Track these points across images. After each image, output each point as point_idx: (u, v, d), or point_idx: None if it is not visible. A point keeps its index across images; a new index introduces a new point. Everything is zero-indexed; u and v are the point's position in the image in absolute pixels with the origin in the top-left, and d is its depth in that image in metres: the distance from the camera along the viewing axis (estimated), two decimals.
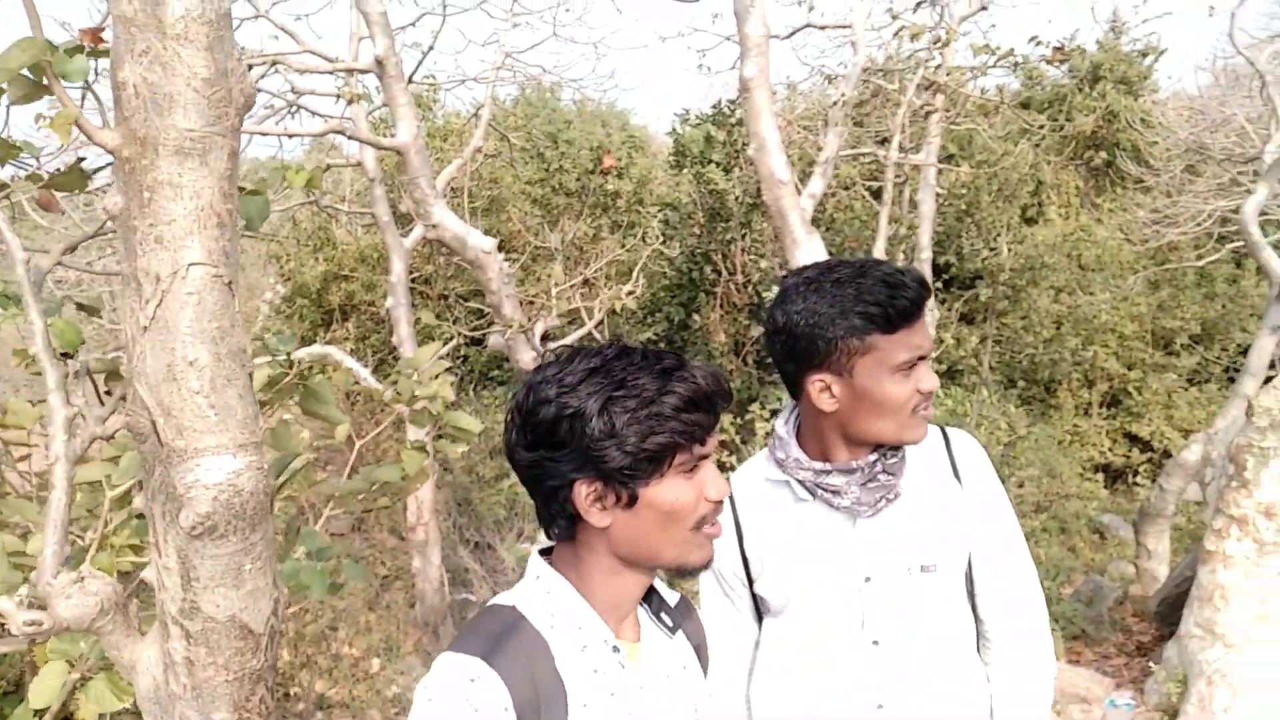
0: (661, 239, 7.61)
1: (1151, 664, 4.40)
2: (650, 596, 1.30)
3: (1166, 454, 11.39)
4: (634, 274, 5.43)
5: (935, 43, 5.91)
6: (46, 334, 1.49)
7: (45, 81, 1.32)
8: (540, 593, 1.21)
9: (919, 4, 5.94)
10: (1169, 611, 4.93)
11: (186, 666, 1.39)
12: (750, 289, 7.54)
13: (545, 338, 5.41)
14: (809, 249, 5.23)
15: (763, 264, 7.40)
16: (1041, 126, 10.50)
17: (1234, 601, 3.64)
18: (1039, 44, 5.85)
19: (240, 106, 1.37)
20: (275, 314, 11.24)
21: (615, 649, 1.20)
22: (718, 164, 7.86)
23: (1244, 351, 12.24)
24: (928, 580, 1.49)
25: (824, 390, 1.45)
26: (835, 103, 6.08)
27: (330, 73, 5.30)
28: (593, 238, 7.67)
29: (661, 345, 8.15)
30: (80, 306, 1.70)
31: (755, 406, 5.21)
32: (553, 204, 8.22)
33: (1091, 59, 13.83)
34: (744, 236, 7.55)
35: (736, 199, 7.54)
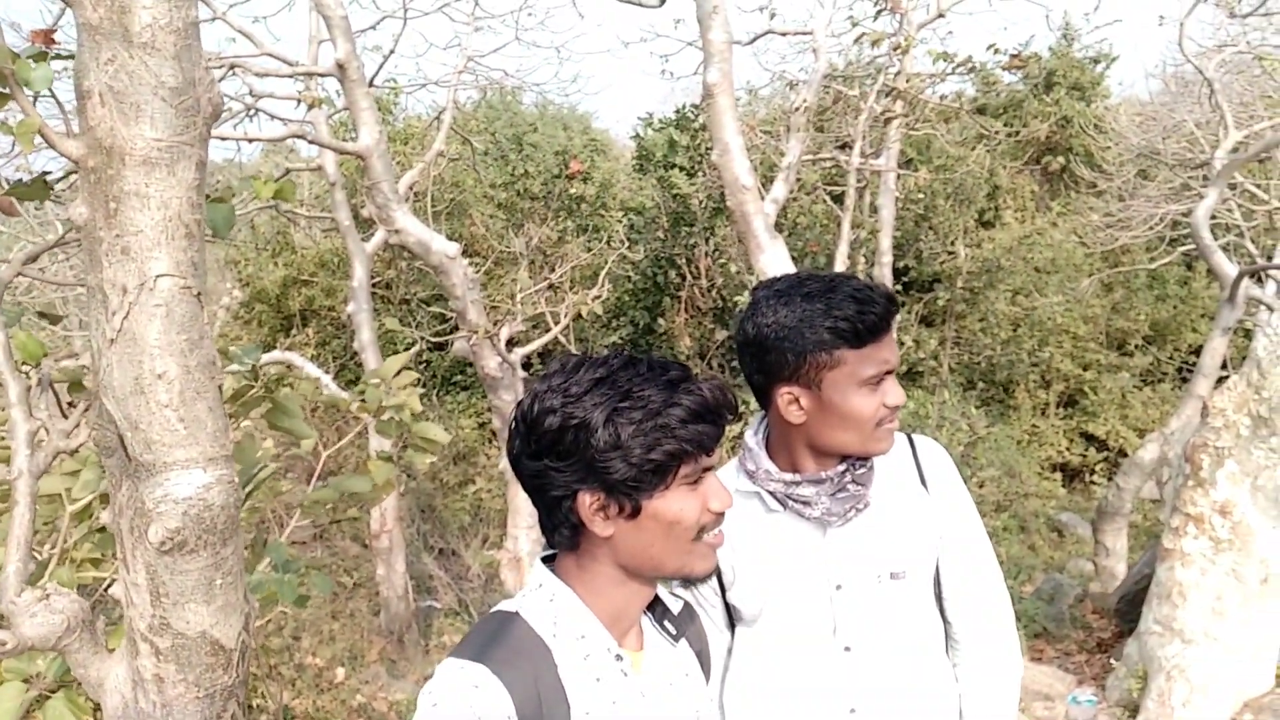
0: (626, 243, 7.62)
1: (1112, 660, 4.49)
2: (654, 604, 1.29)
3: (1122, 453, 11.63)
4: (600, 278, 5.42)
5: (896, 49, 5.98)
6: (8, 346, 1.46)
7: (6, 89, 1.29)
8: (543, 600, 1.20)
9: (879, 11, 6.01)
10: (1129, 608, 5.03)
11: (156, 684, 1.36)
12: (715, 293, 7.57)
13: (511, 343, 5.39)
14: (773, 253, 5.26)
15: (730, 268, 7.42)
16: (998, 131, 10.66)
17: (1191, 598, 3.72)
18: (996, 51, 5.95)
19: (208, 116, 1.35)
20: (233, 320, 11.08)
21: (618, 657, 1.20)
22: (681, 168, 7.88)
23: (1195, 352, 12.53)
24: (897, 586, 1.52)
25: (792, 402, 1.46)
26: (797, 108, 6.13)
27: (290, 76, 5.23)
28: (557, 242, 7.66)
29: (626, 349, 8.14)
30: (41, 315, 1.66)
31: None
32: (517, 208, 8.19)
33: (1045, 65, 14.07)
34: (708, 240, 7.58)
35: (700, 203, 7.57)
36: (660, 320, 7.73)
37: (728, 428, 1.21)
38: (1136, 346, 12.82)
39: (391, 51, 6.38)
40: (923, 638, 1.55)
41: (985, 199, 12.38)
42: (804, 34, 6.47)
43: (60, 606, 1.36)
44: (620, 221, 8.25)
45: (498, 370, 5.06)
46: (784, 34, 6.58)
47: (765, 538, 1.53)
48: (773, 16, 6.74)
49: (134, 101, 1.26)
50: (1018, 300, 10.49)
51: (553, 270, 6.50)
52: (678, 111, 7.92)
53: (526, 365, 4.93)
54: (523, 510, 5.14)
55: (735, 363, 7.65)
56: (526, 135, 8.22)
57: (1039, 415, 12.11)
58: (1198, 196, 9.43)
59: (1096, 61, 14.41)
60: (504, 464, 5.01)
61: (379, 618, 8.33)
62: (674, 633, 1.30)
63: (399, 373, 2.99)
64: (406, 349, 7.21)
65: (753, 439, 1.57)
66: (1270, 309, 6.18)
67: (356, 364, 8.59)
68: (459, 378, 10.71)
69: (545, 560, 1.26)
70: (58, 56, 1.34)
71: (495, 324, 4.77)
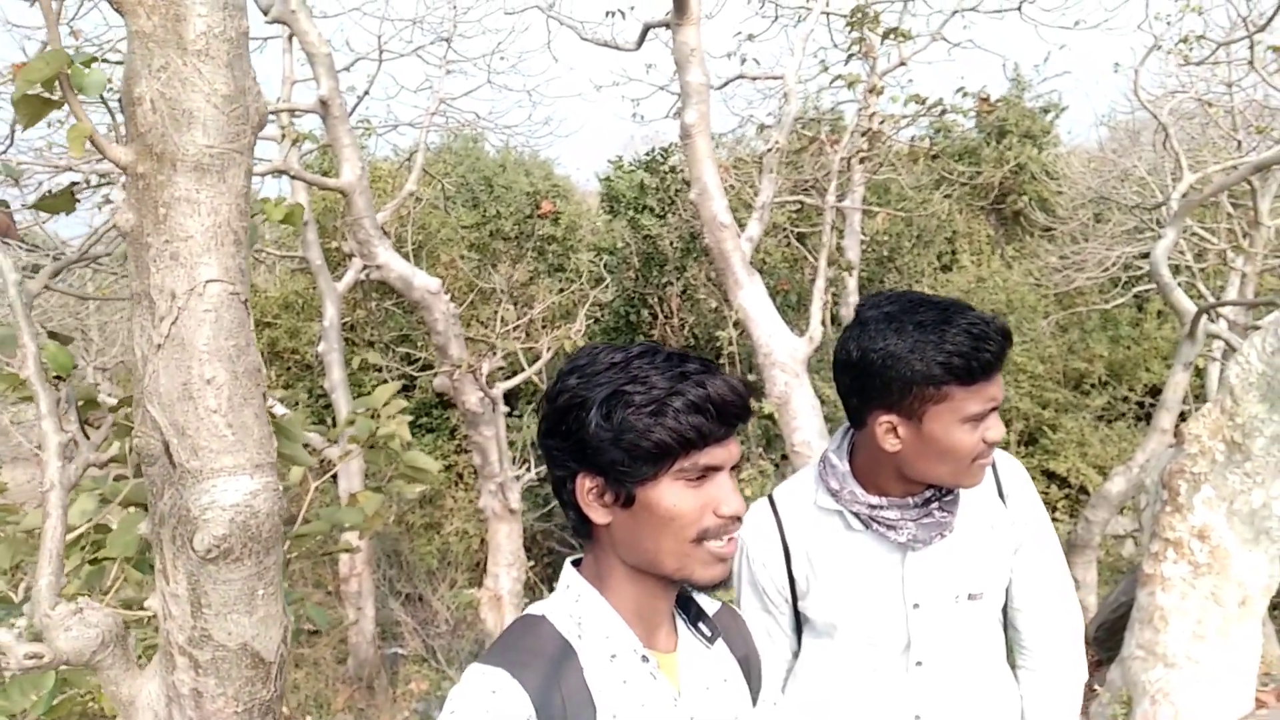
0: (597, 283, 7.66)
1: (1096, 686, 4.52)
2: (689, 605, 1.27)
3: (1083, 490, 11.80)
4: (580, 314, 5.45)
5: (870, 90, 6.15)
6: (39, 358, 1.44)
7: (59, 95, 1.29)
8: (569, 601, 1.18)
9: (849, 57, 6.19)
10: (1107, 637, 5.08)
11: (194, 699, 1.33)
12: (687, 330, 7.62)
13: (490, 379, 5.37)
14: (751, 290, 5.33)
15: (702, 306, 7.50)
16: (961, 174, 10.94)
17: (1173, 622, 3.77)
18: (965, 95, 6.14)
19: (255, 125, 1.36)
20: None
21: (645, 658, 1.16)
22: (651, 210, 7.97)
23: (1151, 390, 12.84)
24: (974, 606, 1.52)
25: (890, 431, 1.43)
26: (770, 150, 6.25)
27: (273, 113, 5.23)
28: (528, 281, 7.67)
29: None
30: (52, 335, 1.64)
31: None
32: (489, 248, 8.21)
33: (997, 114, 14.51)
34: (679, 280, 7.65)
35: (671, 244, 7.65)
36: None
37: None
38: (1093, 385, 13.09)
39: (366, 92, 6.42)
40: (990, 650, 1.57)
41: (944, 242, 12.66)
42: (774, 78, 6.63)
43: (94, 620, 1.33)
44: (591, 262, 8.30)
45: (479, 405, 5.04)
46: (754, 79, 6.74)
47: (844, 555, 1.53)
48: (743, 62, 6.89)
49: (186, 108, 1.27)
50: None
51: (528, 308, 6.51)
52: (648, 154, 8.04)
53: (506, 401, 4.91)
54: (504, 548, 5.10)
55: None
56: (497, 176, 8.28)
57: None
58: (1150, 239, 9.75)
59: (1046, 111, 14.90)
60: (483, 501, 4.98)
61: (345, 664, 8.13)
62: (708, 634, 1.26)
63: (388, 402, 2.97)
64: (382, 383, 7.13)
65: (836, 456, 1.55)
66: (1229, 344, 6.38)
67: (326, 405, 8.48)
68: (425, 419, 10.61)
69: (574, 564, 1.24)
70: (105, 62, 1.34)
71: (477, 359, 4.76)
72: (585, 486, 1.13)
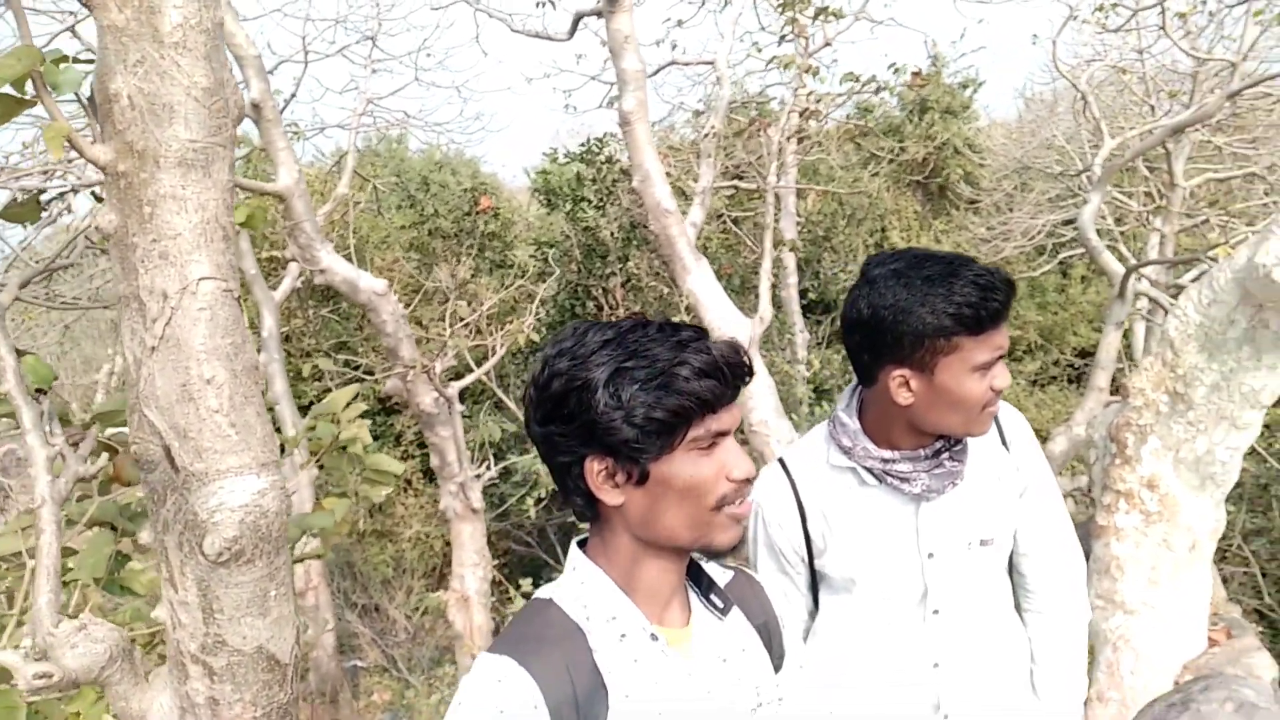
0: (540, 277, 7.63)
1: None
2: (700, 577, 1.25)
3: None
4: (531, 308, 5.43)
5: (806, 70, 6.22)
6: (19, 371, 1.39)
7: (32, 94, 1.24)
8: (575, 583, 1.17)
9: (781, 39, 6.25)
10: None
11: (210, 707, 1.30)
12: None
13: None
14: (698, 274, 5.36)
15: (647, 294, 7.51)
16: (887, 151, 11.14)
17: (1129, 570, 3.91)
18: (897, 71, 6.25)
19: (235, 117, 1.33)
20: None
21: (653, 636, 1.15)
22: (589, 201, 7.96)
23: (1080, 353, 13.27)
24: (986, 552, 1.57)
25: (903, 385, 1.46)
26: (706, 135, 6.29)
27: None
28: (470, 279, 7.60)
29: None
30: (17, 353, 1.58)
31: None
32: (428, 247, 8.10)
33: (917, 91, 14.79)
34: (621, 270, 7.66)
35: (612, 235, 7.65)
36: None
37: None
38: (1025, 351, 13.48)
39: (293, 95, 6.28)
40: (1000, 595, 1.62)
41: (874, 220, 12.89)
42: (706, 64, 6.66)
43: (100, 635, 1.29)
44: (532, 256, 8.25)
45: (433, 406, 4.98)
46: (686, 64, 6.77)
47: (859, 510, 1.56)
48: (674, 48, 6.92)
49: (166, 103, 1.23)
50: None
51: (469, 305, 6.46)
52: (582, 146, 8.02)
53: (460, 399, 4.88)
54: (468, 548, 5.06)
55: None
56: (432, 175, 8.18)
57: None
58: (1073, 206, 10.05)
59: (965, 86, 15.24)
60: (444, 502, 4.94)
61: (308, 679, 7.99)
62: (721, 606, 1.24)
63: (348, 405, 2.93)
64: (319, 399, 7.01)
65: (845, 414, 1.58)
66: (1156, 302, 6.62)
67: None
68: (370, 427, 10.44)
69: (580, 545, 1.22)
70: (77, 60, 1.30)
71: (429, 359, 4.70)
72: (594, 469, 1.11)
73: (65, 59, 1.26)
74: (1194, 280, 6.54)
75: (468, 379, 4.50)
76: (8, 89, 1.22)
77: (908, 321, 1.41)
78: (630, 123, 5.42)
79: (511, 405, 6.36)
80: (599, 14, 5.82)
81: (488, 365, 4.66)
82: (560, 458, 1.13)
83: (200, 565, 1.26)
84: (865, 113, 13.79)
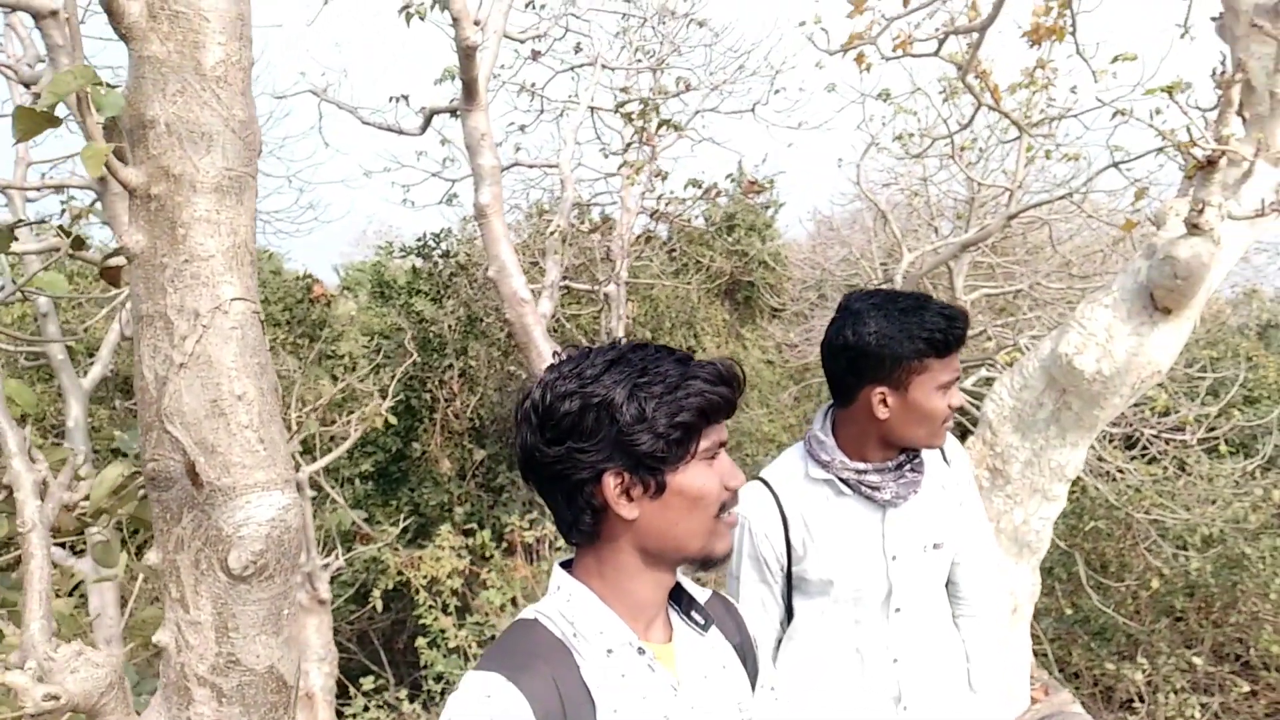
0: (376, 369, 7.52)
1: None
2: (680, 596, 1.28)
3: None
4: (390, 388, 5.37)
5: (656, 175, 6.62)
6: (1, 396, 1.35)
7: (64, 114, 1.26)
8: (561, 601, 1.19)
9: (628, 146, 6.65)
10: None
11: None
12: (470, 413, 7.63)
13: None
14: None
15: (486, 387, 7.56)
16: (700, 261, 11.83)
17: None
18: (733, 180, 6.77)
19: (257, 153, 1.40)
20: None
21: (640, 650, 1.17)
22: (425, 294, 7.99)
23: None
24: (937, 555, 1.79)
25: (882, 401, 1.68)
26: (552, 233, 6.54)
27: (38, 188, 4.80)
28: (301, 370, 7.39)
29: (377, 479, 7.95)
30: None
31: (515, 519, 5.30)
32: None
33: (724, 209, 15.86)
34: (460, 361, 7.69)
35: (450, 328, 7.69)
36: (414, 444, 7.64)
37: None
38: None
39: None
40: (943, 598, 1.83)
41: (686, 326, 13.55)
42: (550, 166, 6.96)
43: (100, 660, 1.25)
44: (364, 347, 8.13)
45: None
46: (531, 165, 7.04)
47: (834, 518, 1.74)
48: (517, 150, 7.19)
49: (206, 132, 1.30)
50: (740, 413, 11.49)
51: (312, 393, 6.28)
52: (419, 240, 8.09)
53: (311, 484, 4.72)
54: (313, 643, 4.80)
55: (496, 480, 7.74)
56: (266, 263, 7.98)
57: None
58: None
59: (767, 207, 16.50)
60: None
61: None
62: (701, 622, 1.28)
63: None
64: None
65: (822, 433, 1.78)
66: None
67: None
68: None
69: (564, 566, 1.25)
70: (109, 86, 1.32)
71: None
72: (611, 485, 1.15)
73: (102, 84, 1.29)
74: (980, 381, 7.32)
75: (320, 462, 4.38)
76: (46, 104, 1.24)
77: (890, 346, 1.65)
78: (486, 215, 5.57)
79: (340, 499, 6.16)
80: (453, 112, 6.01)
81: (342, 449, 4.56)
82: (576, 475, 1.15)
83: (218, 583, 1.26)
84: (680, 227, 14.60)
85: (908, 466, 1.76)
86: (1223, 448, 8.24)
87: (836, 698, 1.74)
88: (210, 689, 1.27)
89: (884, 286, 2.00)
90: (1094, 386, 3.54)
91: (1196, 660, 6.87)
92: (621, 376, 1.13)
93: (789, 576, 1.77)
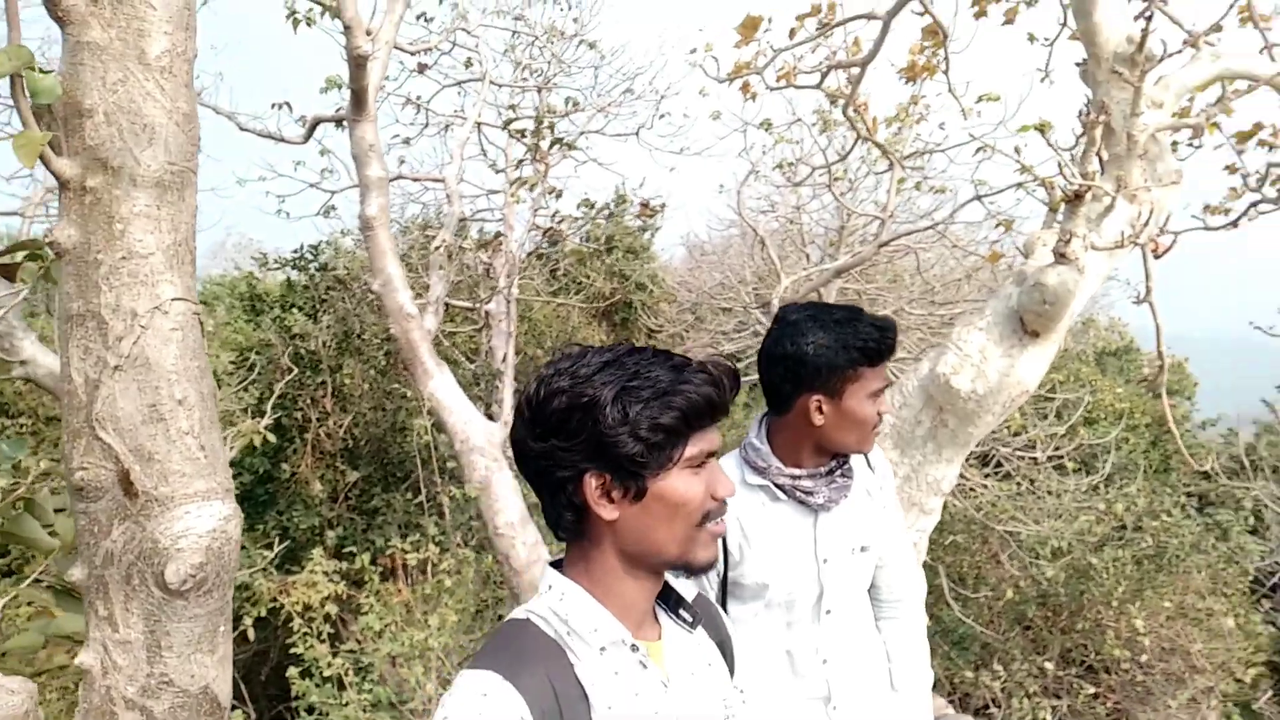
0: (241, 385, 7.19)
1: None
2: (668, 594, 1.29)
3: None
4: (267, 407, 5.13)
5: (549, 192, 6.60)
6: None
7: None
8: (553, 600, 1.18)
9: (520, 162, 6.62)
10: None
11: None
12: (344, 432, 7.39)
13: None
14: (441, 379, 5.40)
15: (361, 405, 7.33)
16: (579, 282, 11.86)
17: None
18: (624, 201, 6.83)
19: (197, 149, 1.34)
20: None
21: (634, 647, 1.18)
22: (301, 308, 7.71)
23: None
24: (864, 558, 1.85)
25: (818, 409, 1.74)
26: (438, 247, 6.45)
27: None
28: None
29: (244, 502, 7.55)
30: None
31: (398, 541, 5.15)
32: None
33: (604, 230, 15.99)
34: (335, 378, 7.44)
35: (325, 344, 7.44)
36: (284, 466, 7.33)
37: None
38: None
39: None
40: (867, 601, 1.88)
41: (569, 345, 13.59)
42: (436, 180, 6.86)
43: (15, 687, 1.15)
44: (232, 363, 7.77)
45: None
46: (415, 179, 6.92)
47: (770, 522, 1.78)
48: (401, 163, 7.05)
49: (148, 124, 1.24)
50: None
51: None
52: (295, 252, 7.81)
53: None
54: None
55: (370, 503, 7.50)
56: None
57: None
58: (748, 336, 11.28)
59: (644, 230, 16.73)
60: None
61: None
62: (689, 620, 1.29)
63: None
64: None
65: (758, 440, 1.81)
66: None
67: None
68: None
69: (555, 565, 1.25)
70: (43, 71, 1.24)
71: None
72: (592, 485, 1.15)
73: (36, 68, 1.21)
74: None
75: None
76: None
77: (826, 355, 1.72)
78: (373, 228, 5.46)
79: None
80: (339, 122, 5.85)
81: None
82: (559, 473, 1.15)
83: (152, 599, 1.19)
84: (553, 244, 14.64)
85: (838, 472, 1.82)
86: (1069, 465, 8.83)
87: (768, 699, 1.78)
88: (140, 712, 1.19)
89: (815, 301, 2.08)
90: (969, 405, 3.72)
91: (1048, 666, 7.29)
92: (612, 378, 1.13)
93: (724, 582, 1.80)
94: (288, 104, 5.75)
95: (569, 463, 1.14)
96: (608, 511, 1.16)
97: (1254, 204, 4.18)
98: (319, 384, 7.30)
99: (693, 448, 1.16)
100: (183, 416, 1.20)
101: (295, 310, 7.55)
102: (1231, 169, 4.76)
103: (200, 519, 1.20)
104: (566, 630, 1.16)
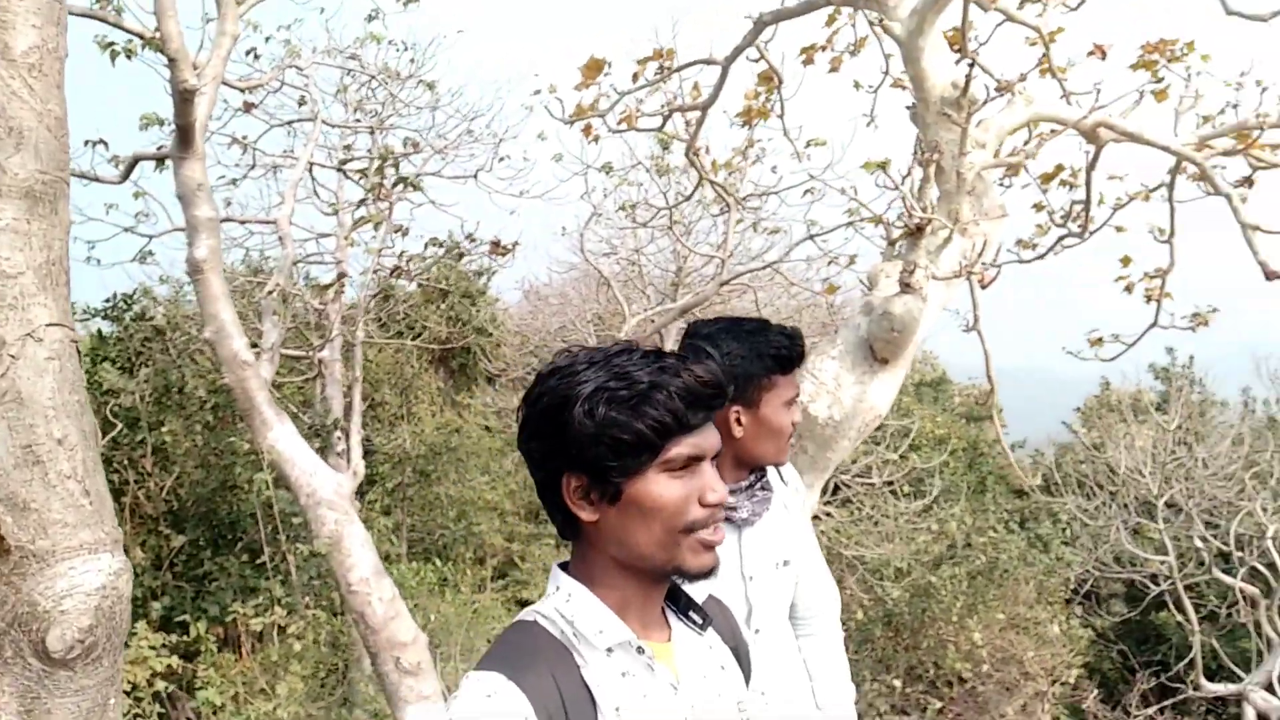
0: None
1: None
2: (677, 595, 1.27)
3: None
4: None
5: (396, 230, 6.38)
6: None
7: None
8: (560, 601, 1.16)
9: (362, 202, 6.38)
10: None
11: None
12: (167, 492, 6.84)
13: None
14: (281, 430, 5.11)
15: (185, 465, 6.82)
16: (409, 329, 11.59)
17: None
18: (474, 241, 6.70)
19: (69, 157, 1.20)
20: None
21: (640, 649, 1.16)
22: (114, 362, 7.13)
23: None
24: (786, 573, 1.83)
25: (736, 420, 1.74)
26: (270, 292, 6.13)
27: None
28: None
29: None
30: None
31: (237, 606, 4.77)
32: None
33: (441, 275, 15.71)
34: (153, 437, 6.89)
35: (143, 399, 6.89)
36: None
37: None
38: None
39: None
40: (788, 620, 1.85)
41: (399, 394, 13.17)
42: (267, 223, 6.55)
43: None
44: None
45: None
46: (244, 221, 6.57)
47: None
48: (228, 204, 6.69)
49: (15, 127, 1.10)
50: (463, 482, 11.29)
51: None
52: (108, 301, 7.22)
53: None
54: None
55: (200, 568, 6.94)
56: None
57: (479, 590, 12.83)
58: None
59: (480, 274, 16.53)
60: None
61: None
62: (699, 622, 1.27)
63: None
64: None
65: None
66: None
67: None
68: None
69: (562, 567, 1.22)
70: None
71: None
72: (571, 486, 1.13)
73: None
74: None
75: None
76: None
77: (741, 364, 1.73)
78: (203, 271, 5.13)
79: None
80: (160, 160, 5.47)
81: None
82: (538, 473, 1.15)
83: (29, 671, 1.02)
84: (396, 278, 14.27)
85: (758, 485, 1.82)
86: (902, 489, 9.29)
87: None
88: None
89: (722, 315, 2.12)
90: (826, 431, 3.84)
91: (896, 684, 7.57)
92: (592, 378, 1.11)
93: None
94: (103, 141, 5.33)
95: (544, 463, 1.14)
96: (587, 513, 1.14)
97: (1060, 239, 4.56)
98: (137, 443, 6.74)
99: (672, 451, 1.12)
100: (63, 458, 1.05)
101: (107, 364, 6.96)
102: (1039, 206, 5.16)
103: (87, 575, 1.04)
104: (573, 632, 1.15)
